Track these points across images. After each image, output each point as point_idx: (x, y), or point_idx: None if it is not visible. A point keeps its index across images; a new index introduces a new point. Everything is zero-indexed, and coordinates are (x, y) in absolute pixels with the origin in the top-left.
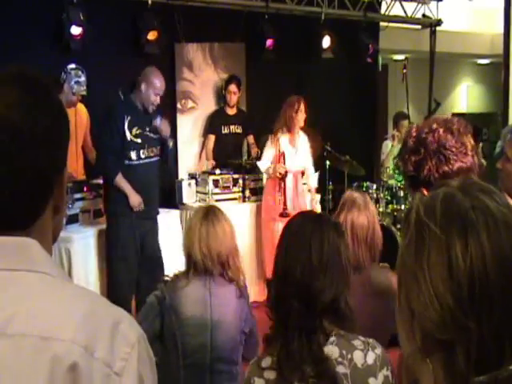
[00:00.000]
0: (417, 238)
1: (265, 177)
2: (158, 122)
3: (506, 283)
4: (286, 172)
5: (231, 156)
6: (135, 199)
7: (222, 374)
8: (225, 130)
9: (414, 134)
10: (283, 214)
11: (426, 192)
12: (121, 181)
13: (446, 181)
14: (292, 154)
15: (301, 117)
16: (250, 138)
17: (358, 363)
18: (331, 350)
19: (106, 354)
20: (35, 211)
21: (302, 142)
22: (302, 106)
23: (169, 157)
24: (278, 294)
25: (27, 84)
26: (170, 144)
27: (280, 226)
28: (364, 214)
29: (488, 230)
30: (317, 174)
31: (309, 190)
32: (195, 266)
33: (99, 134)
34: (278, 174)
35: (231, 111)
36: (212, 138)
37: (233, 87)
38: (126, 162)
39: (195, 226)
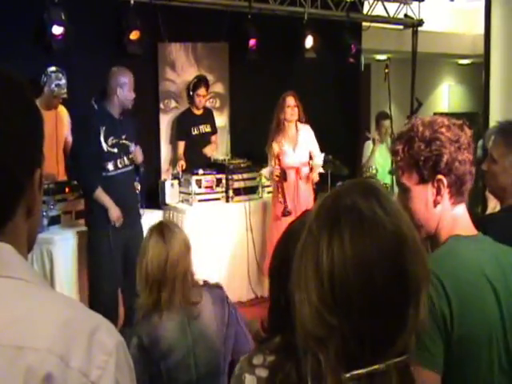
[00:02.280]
0: (306, 234)
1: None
2: (133, 148)
3: (364, 284)
4: (284, 172)
5: (204, 156)
6: (115, 212)
7: None
8: (194, 131)
9: (422, 126)
10: (284, 213)
11: (445, 180)
12: (101, 194)
13: (348, 181)
14: (291, 152)
15: (290, 111)
16: (213, 137)
17: None
18: None
19: (83, 363)
20: (4, 214)
21: (303, 134)
22: (289, 100)
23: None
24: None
25: None
26: (141, 170)
27: (283, 224)
28: None
29: (352, 231)
30: (322, 154)
31: (311, 169)
32: (161, 294)
33: (76, 146)
34: (275, 177)
35: (198, 111)
36: (181, 144)
37: (202, 91)
38: (104, 173)
39: (151, 250)
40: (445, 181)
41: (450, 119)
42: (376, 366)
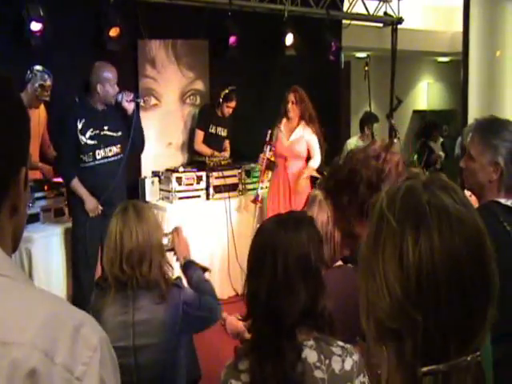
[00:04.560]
0: (376, 229)
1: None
2: (120, 98)
3: (452, 279)
4: (272, 162)
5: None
6: (90, 203)
7: None
8: (212, 129)
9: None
10: (253, 200)
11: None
12: (77, 185)
13: (414, 174)
14: (284, 140)
15: (289, 106)
16: (227, 143)
17: (335, 369)
18: (309, 354)
19: (67, 359)
20: None
21: (301, 131)
22: (289, 96)
23: (135, 131)
24: (248, 314)
25: None
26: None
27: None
28: (324, 210)
29: (440, 227)
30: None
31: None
32: (109, 279)
33: (55, 139)
34: (260, 161)
35: (222, 116)
36: (200, 133)
37: (232, 103)
38: (81, 164)
39: (110, 231)
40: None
41: (379, 146)
42: (459, 360)
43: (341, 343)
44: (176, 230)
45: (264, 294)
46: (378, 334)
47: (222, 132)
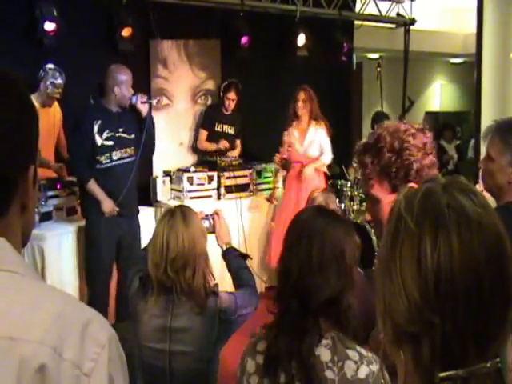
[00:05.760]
0: (394, 230)
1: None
2: (134, 100)
3: (471, 283)
4: (288, 162)
5: (218, 154)
6: (107, 205)
7: None
8: (218, 128)
9: (389, 137)
10: (269, 199)
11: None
12: (93, 187)
13: (433, 176)
14: (298, 146)
15: (299, 104)
16: (237, 142)
17: (347, 373)
18: (323, 352)
19: (75, 355)
20: None
21: (314, 131)
22: (301, 95)
23: (148, 134)
24: (279, 290)
25: None
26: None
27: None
28: None
29: (459, 230)
30: (331, 156)
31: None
32: (152, 283)
33: (70, 141)
34: (277, 162)
35: (226, 112)
36: (204, 133)
37: (232, 94)
38: (97, 165)
39: (156, 234)
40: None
41: (413, 125)
42: (478, 366)
43: (361, 350)
44: (217, 213)
45: (296, 271)
46: (395, 336)
47: (230, 130)
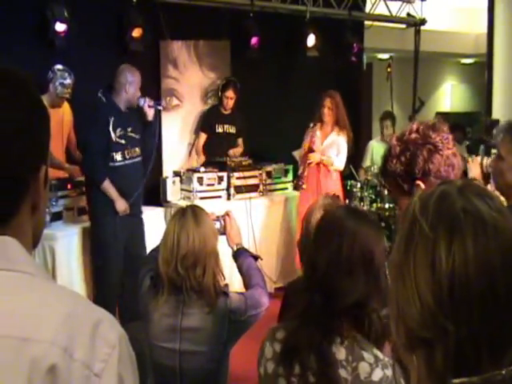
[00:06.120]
0: (408, 233)
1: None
2: (142, 102)
3: (486, 288)
4: (312, 149)
5: (223, 155)
6: (121, 204)
7: None
8: (218, 129)
9: (395, 141)
10: (296, 186)
11: (422, 185)
12: (108, 186)
13: (448, 179)
14: (318, 145)
15: (324, 111)
16: (239, 140)
17: (361, 374)
18: (339, 350)
19: (86, 356)
20: (8, 210)
21: (334, 138)
22: (327, 102)
23: (153, 137)
24: (305, 281)
25: (1, 78)
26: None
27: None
28: None
29: (475, 234)
30: (343, 160)
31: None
32: (163, 282)
33: (86, 136)
34: (305, 148)
35: (226, 111)
36: (203, 135)
37: (230, 93)
38: (111, 163)
39: (167, 233)
40: (422, 185)
41: (424, 122)
42: (493, 373)
43: (378, 353)
44: (228, 214)
45: (324, 266)
46: (408, 341)
47: (231, 129)
